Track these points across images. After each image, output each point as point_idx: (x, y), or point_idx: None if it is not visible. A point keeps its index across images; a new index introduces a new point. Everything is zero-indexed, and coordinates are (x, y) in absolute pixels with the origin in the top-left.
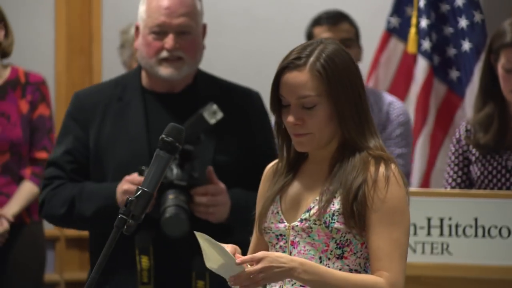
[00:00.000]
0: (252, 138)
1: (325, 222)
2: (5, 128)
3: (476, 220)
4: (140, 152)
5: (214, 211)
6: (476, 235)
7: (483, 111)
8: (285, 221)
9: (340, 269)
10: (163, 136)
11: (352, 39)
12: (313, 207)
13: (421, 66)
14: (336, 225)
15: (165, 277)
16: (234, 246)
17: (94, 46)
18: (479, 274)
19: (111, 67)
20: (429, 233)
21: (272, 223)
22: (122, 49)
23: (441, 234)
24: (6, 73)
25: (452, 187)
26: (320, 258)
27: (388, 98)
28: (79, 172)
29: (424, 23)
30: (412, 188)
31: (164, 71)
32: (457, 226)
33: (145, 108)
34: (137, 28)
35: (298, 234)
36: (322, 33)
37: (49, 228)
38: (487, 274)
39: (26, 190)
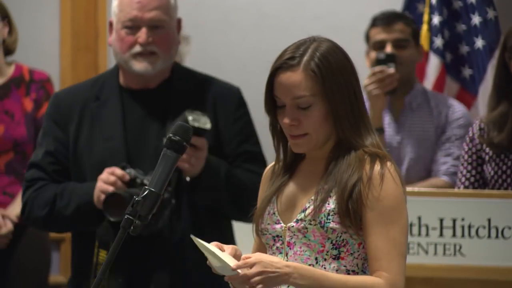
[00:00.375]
0: (225, 130)
1: (320, 222)
2: (9, 127)
3: (489, 220)
4: (117, 151)
5: (194, 163)
6: (489, 236)
7: (497, 110)
8: (281, 221)
9: (336, 270)
10: (170, 135)
11: (407, 40)
12: (309, 207)
13: (433, 64)
14: (332, 224)
15: (123, 275)
16: (235, 247)
17: (100, 43)
18: (492, 275)
19: None
20: (441, 234)
21: (268, 224)
22: None
23: (454, 235)
24: (10, 70)
25: (465, 187)
26: (316, 258)
27: (449, 101)
28: (61, 173)
29: (436, 20)
30: (424, 188)
31: (138, 66)
32: (470, 227)
33: (122, 106)
34: (110, 24)
35: (294, 234)
36: (376, 34)
37: None
38: (501, 276)
39: None
